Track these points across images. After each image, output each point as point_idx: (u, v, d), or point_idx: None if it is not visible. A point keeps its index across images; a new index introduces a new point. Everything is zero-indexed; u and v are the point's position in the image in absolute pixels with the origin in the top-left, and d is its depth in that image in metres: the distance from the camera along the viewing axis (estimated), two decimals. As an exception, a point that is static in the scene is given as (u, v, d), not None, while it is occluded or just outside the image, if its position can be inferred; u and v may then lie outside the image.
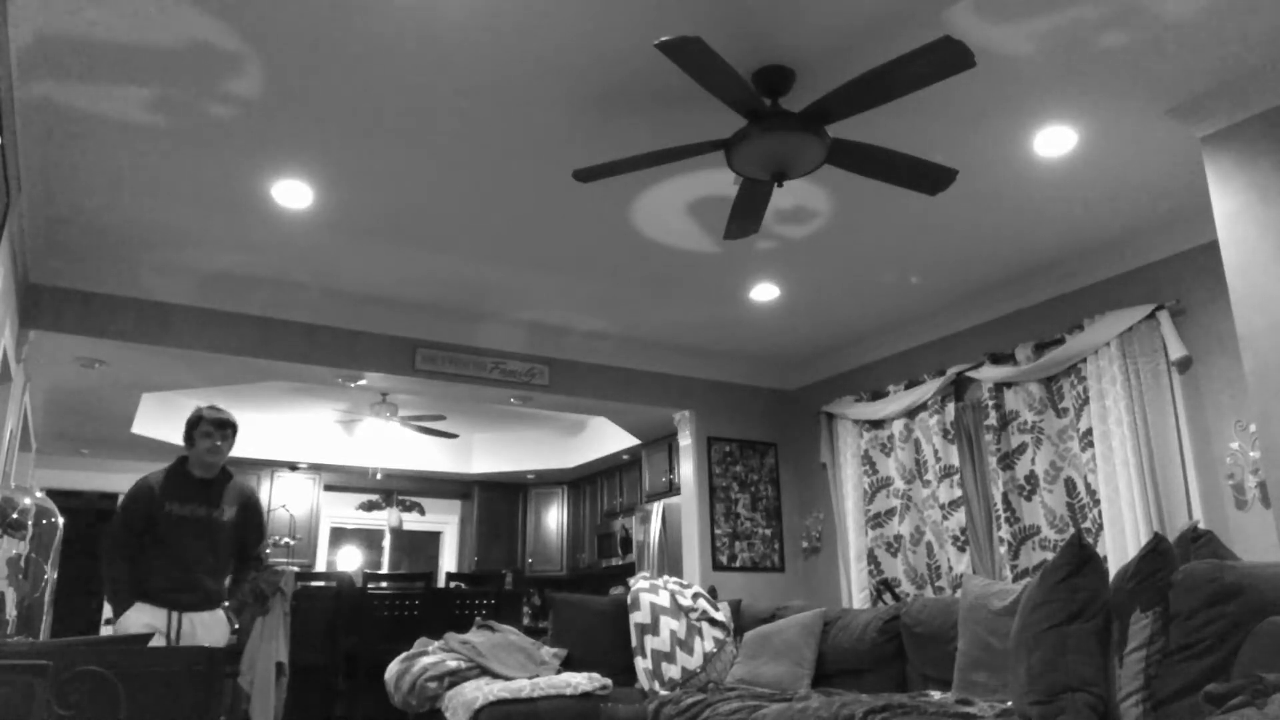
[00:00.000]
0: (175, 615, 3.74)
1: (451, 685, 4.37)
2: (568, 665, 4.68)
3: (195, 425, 3.90)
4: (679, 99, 3.42)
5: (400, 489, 10.18)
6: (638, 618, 4.77)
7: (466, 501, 10.37)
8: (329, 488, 9.59)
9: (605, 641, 4.83)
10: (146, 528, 3.78)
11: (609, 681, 4.42)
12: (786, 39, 3.16)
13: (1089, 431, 4.75)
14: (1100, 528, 4.63)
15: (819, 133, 3.24)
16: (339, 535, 10.10)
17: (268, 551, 8.17)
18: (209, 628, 3.82)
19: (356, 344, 5.67)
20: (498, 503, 10.18)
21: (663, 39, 2.78)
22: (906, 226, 4.57)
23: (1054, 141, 3.78)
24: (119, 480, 8.77)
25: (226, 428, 3.94)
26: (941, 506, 5.53)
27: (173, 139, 3.70)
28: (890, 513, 5.96)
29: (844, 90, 3.08)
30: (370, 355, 5.71)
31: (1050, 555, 4.84)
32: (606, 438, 8.58)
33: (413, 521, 10.34)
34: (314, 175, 4.02)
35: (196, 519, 3.87)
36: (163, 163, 3.89)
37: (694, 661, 4.64)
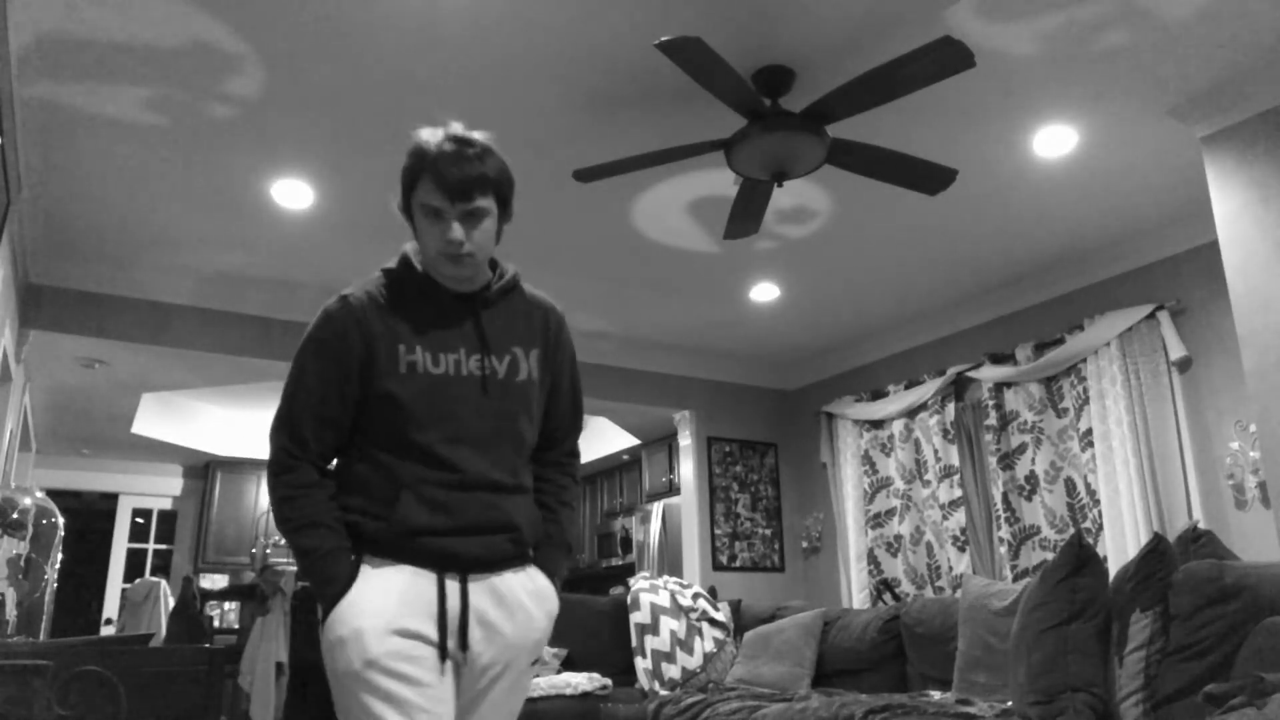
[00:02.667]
0: (457, 584, 1.61)
1: (451, 685, 4.37)
2: (568, 665, 4.68)
3: (415, 174, 1.67)
4: (679, 99, 3.42)
5: (400, 489, 10.16)
6: (638, 618, 4.77)
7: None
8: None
9: (605, 641, 4.83)
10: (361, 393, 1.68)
11: (609, 681, 4.42)
12: (786, 39, 3.16)
13: (1089, 431, 4.75)
14: (1100, 528, 4.63)
15: (819, 133, 3.24)
16: (339, 535, 10.08)
17: (268, 551, 8.17)
18: (533, 608, 1.69)
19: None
20: (498, 503, 10.16)
21: (663, 39, 2.79)
22: (906, 226, 4.57)
23: (1054, 141, 3.78)
24: (119, 480, 8.78)
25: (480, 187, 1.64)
26: (941, 506, 5.53)
27: (173, 139, 3.70)
28: (890, 513, 5.96)
29: (844, 90, 3.08)
30: (370, 355, 5.70)
31: (1050, 555, 4.84)
32: (606, 438, 8.58)
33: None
34: (314, 175, 4.02)
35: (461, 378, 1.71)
36: (163, 163, 3.89)
37: (694, 661, 4.64)
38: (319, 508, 1.62)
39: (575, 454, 1.92)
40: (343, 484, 1.67)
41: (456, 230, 1.60)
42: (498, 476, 1.66)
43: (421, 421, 1.63)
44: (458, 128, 1.67)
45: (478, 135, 1.67)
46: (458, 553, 1.60)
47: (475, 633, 1.60)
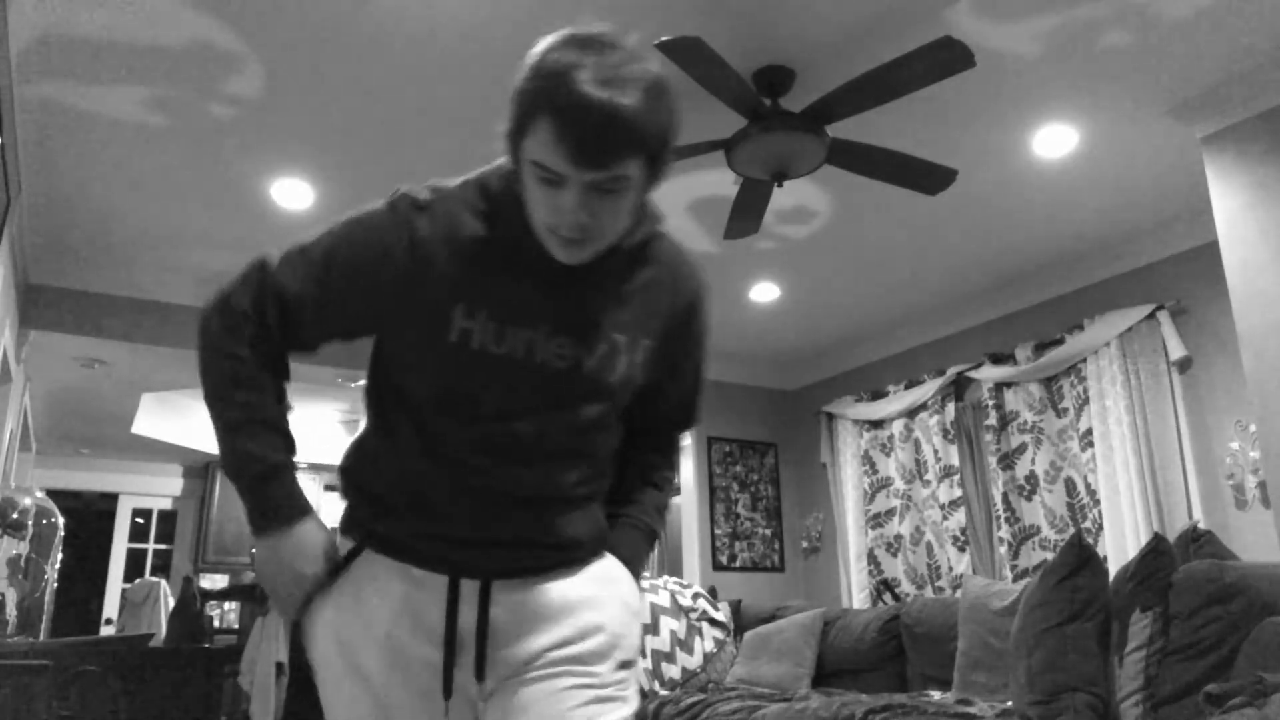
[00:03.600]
0: (476, 592, 1.23)
1: (451, 685, 4.37)
2: (568, 665, 4.68)
3: (530, 112, 1.10)
4: (679, 99, 3.41)
5: (400, 489, 10.16)
6: (638, 618, 4.77)
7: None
8: (329, 488, 9.58)
9: (605, 641, 4.82)
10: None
11: (609, 681, 4.41)
12: (786, 39, 3.16)
13: (1089, 431, 4.75)
14: (1100, 528, 4.63)
15: (819, 133, 3.24)
16: (339, 535, 10.09)
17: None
18: (596, 598, 1.29)
19: (356, 344, 5.67)
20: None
21: (663, 39, 2.78)
22: (906, 226, 4.57)
23: (1054, 141, 3.78)
24: (119, 480, 8.78)
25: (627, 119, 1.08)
26: (941, 506, 5.53)
27: (173, 139, 3.70)
28: (890, 513, 5.96)
29: (844, 90, 3.08)
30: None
31: (1050, 555, 4.84)
32: (606, 438, 8.58)
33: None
34: (314, 175, 4.02)
35: (531, 366, 1.23)
36: (163, 163, 3.89)
37: (694, 661, 4.64)
38: (273, 407, 1.23)
39: (679, 445, 1.50)
40: (360, 447, 1.30)
41: (577, 207, 1.09)
42: (554, 492, 1.24)
43: (458, 420, 1.20)
44: (610, 38, 1.12)
45: (634, 61, 1.10)
46: (477, 564, 1.22)
47: (505, 649, 1.21)
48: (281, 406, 1.25)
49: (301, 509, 1.22)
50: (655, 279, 1.30)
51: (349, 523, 1.29)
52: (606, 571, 1.29)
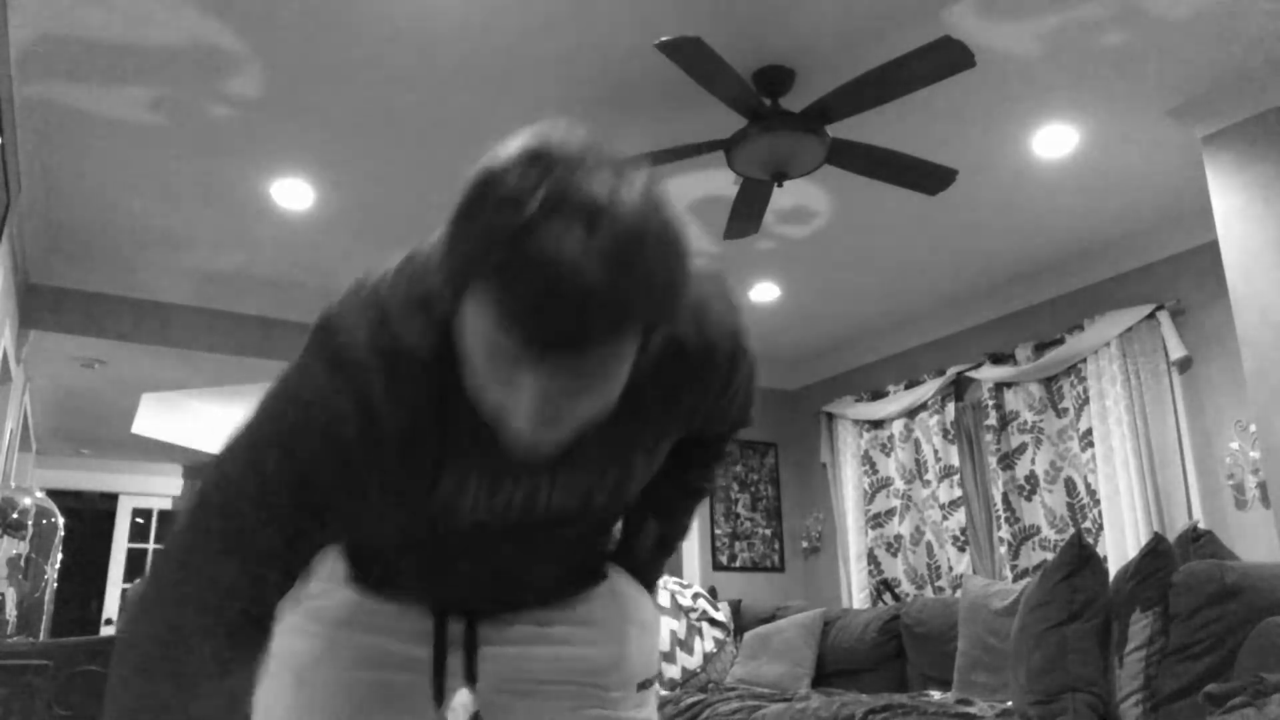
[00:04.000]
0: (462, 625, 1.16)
1: (451, 685, 4.37)
2: (568, 665, 4.68)
3: (467, 267, 0.73)
4: (679, 99, 3.42)
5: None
6: (638, 618, 4.77)
7: (466, 501, 10.35)
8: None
9: (605, 641, 4.82)
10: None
11: (609, 681, 4.41)
12: (786, 39, 3.16)
13: (1089, 431, 4.75)
14: (1100, 528, 4.63)
15: (819, 133, 3.24)
16: (339, 535, 10.08)
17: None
18: (607, 620, 1.19)
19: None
20: (498, 503, 10.16)
21: (663, 39, 2.79)
22: (906, 226, 4.57)
23: (1054, 141, 3.78)
24: (119, 480, 8.78)
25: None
26: (941, 506, 5.53)
27: (173, 139, 3.70)
28: (890, 513, 5.95)
29: (844, 90, 3.08)
30: (370, 355, 5.70)
31: (1050, 555, 4.84)
32: (606, 438, 8.58)
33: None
34: (314, 175, 4.02)
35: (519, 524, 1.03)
36: (162, 163, 3.89)
37: (694, 661, 4.64)
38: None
39: (726, 451, 1.29)
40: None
41: (535, 411, 0.75)
42: (553, 583, 1.12)
43: (435, 566, 1.05)
44: (587, 163, 0.72)
45: (625, 184, 0.73)
46: (463, 607, 1.10)
47: (491, 659, 1.09)
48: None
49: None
50: (680, 374, 0.95)
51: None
52: (612, 587, 1.14)
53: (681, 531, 1.24)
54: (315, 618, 1.05)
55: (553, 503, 0.96)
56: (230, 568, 0.85)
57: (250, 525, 0.85)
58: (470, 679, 1.08)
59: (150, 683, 0.81)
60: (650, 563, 1.19)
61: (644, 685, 1.13)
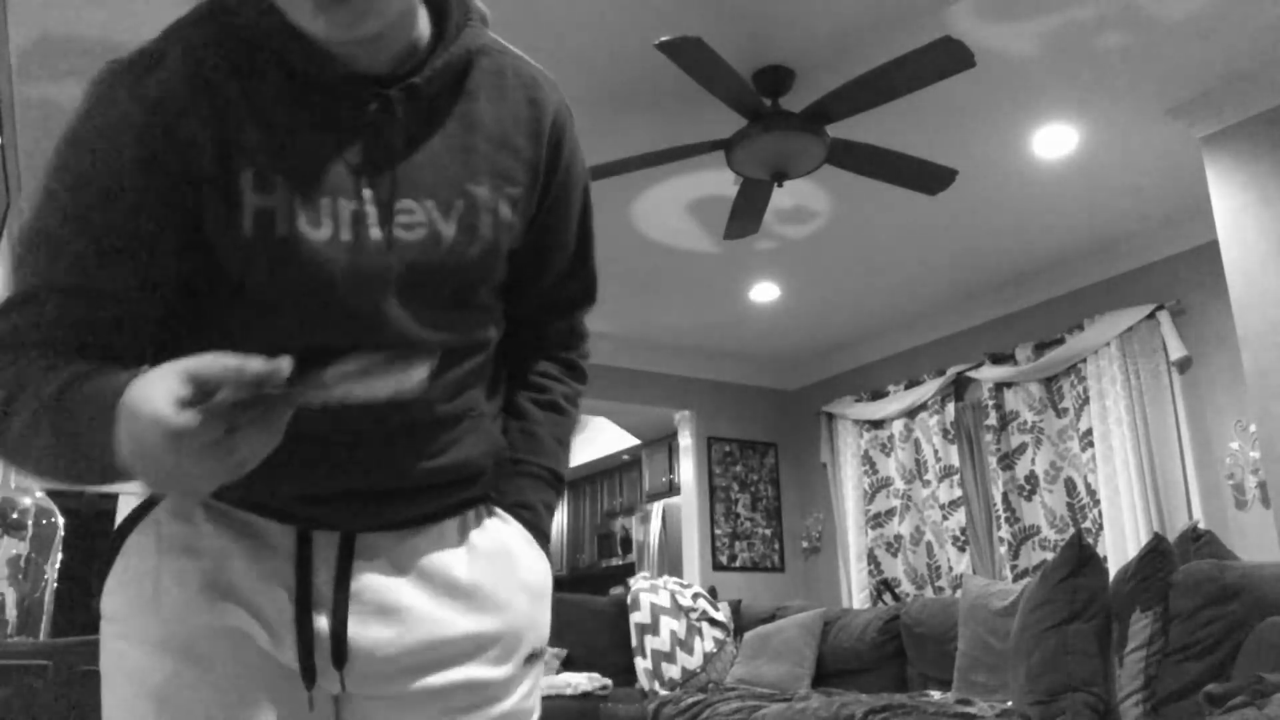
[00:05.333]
0: (334, 548, 0.89)
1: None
2: (568, 665, 4.68)
3: None
4: (679, 99, 3.42)
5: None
6: (638, 618, 4.77)
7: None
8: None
9: (605, 641, 4.83)
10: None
11: (609, 681, 4.42)
12: (786, 39, 3.16)
13: (1089, 431, 4.75)
14: (1100, 528, 4.64)
15: (819, 133, 3.24)
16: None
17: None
18: (499, 578, 0.96)
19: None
20: (498, 503, 10.15)
21: (663, 39, 2.79)
22: (906, 226, 4.57)
23: (1054, 141, 3.78)
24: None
25: None
26: (941, 506, 5.53)
27: (173, 139, 3.70)
28: (890, 513, 5.96)
29: (844, 90, 3.08)
30: (370, 355, 5.70)
31: (1050, 555, 4.84)
32: (606, 438, 8.59)
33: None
34: (314, 175, 4.01)
35: (364, 252, 0.86)
36: (163, 163, 3.89)
37: (694, 661, 4.64)
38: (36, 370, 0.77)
39: (582, 335, 1.12)
40: None
41: None
42: (423, 412, 0.89)
43: (278, 332, 0.82)
44: None
45: None
46: (333, 518, 0.88)
47: (370, 631, 0.87)
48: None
49: (119, 379, 0.70)
50: (502, 101, 0.93)
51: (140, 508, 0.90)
52: (501, 543, 0.96)
53: (553, 462, 1.04)
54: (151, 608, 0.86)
55: (376, 231, 0.84)
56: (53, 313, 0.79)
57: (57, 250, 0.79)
58: (337, 663, 0.86)
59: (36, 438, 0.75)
60: (533, 518, 1.00)
61: (532, 658, 0.98)
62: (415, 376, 0.67)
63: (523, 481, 1.00)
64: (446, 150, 0.88)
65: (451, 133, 0.89)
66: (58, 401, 0.73)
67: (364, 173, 0.84)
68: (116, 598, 0.88)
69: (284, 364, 0.65)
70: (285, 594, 0.85)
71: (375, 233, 0.84)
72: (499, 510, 0.98)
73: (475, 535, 0.95)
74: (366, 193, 0.84)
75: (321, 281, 0.82)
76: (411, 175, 0.86)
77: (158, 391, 0.64)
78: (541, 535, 1.01)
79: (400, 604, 0.88)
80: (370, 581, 0.88)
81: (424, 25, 0.88)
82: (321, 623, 0.85)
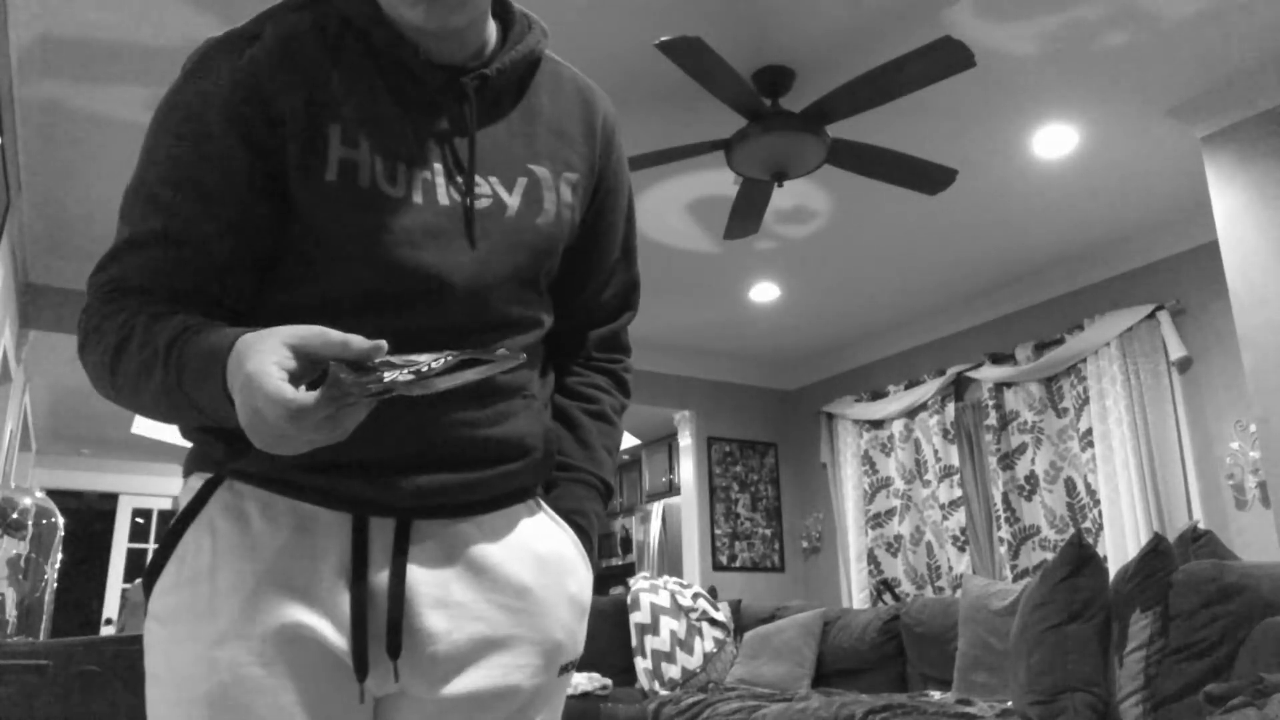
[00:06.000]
0: (389, 534, 0.89)
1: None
2: (568, 665, 4.68)
3: None
4: (679, 99, 3.42)
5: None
6: (638, 618, 4.77)
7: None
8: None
9: (605, 641, 4.83)
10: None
11: (609, 681, 4.42)
12: (786, 39, 3.16)
13: (1089, 431, 4.75)
14: (1100, 528, 4.64)
15: (819, 133, 3.24)
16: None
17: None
18: (546, 582, 0.96)
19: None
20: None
21: (663, 39, 2.78)
22: (906, 226, 4.57)
23: (1054, 141, 3.78)
24: (119, 480, 8.79)
25: None
26: (941, 506, 5.53)
27: (173, 139, 3.70)
28: (890, 513, 5.96)
29: (844, 90, 3.08)
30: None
31: (1050, 555, 4.84)
32: (606, 438, 8.58)
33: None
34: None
35: (436, 212, 0.92)
36: (163, 163, 3.89)
37: (694, 661, 4.64)
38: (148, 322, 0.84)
39: (626, 347, 1.15)
40: None
41: None
42: (486, 425, 0.92)
43: (353, 282, 0.88)
44: None
45: None
46: (391, 497, 0.88)
47: (425, 623, 0.88)
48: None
49: (228, 335, 0.77)
50: (559, 99, 1.02)
51: (198, 460, 0.93)
52: (554, 548, 0.96)
53: (604, 472, 1.05)
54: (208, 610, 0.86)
55: (448, 197, 0.91)
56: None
57: (158, 213, 0.88)
58: (394, 645, 0.86)
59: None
60: (588, 527, 1.01)
61: (564, 670, 0.97)
62: (507, 365, 0.73)
63: (578, 489, 1.02)
64: (510, 136, 0.97)
65: (514, 121, 0.98)
66: (168, 353, 0.80)
67: (437, 148, 0.92)
68: (170, 599, 0.87)
69: (382, 344, 0.71)
70: (343, 585, 0.86)
71: (444, 199, 0.91)
72: (554, 514, 0.99)
73: (530, 534, 0.96)
74: (437, 165, 0.91)
75: (395, 233, 0.88)
76: (479, 155, 0.94)
77: (271, 366, 0.70)
78: (591, 545, 1.02)
79: (453, 598, 0.89)
80: (425, 574, 0.89)
81: (492, 32, 0.98)
82: (378, 613, 0.86)
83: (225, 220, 0.87)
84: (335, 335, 0.72)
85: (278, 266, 0.91)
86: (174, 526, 0.89)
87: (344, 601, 0.86)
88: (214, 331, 0.79)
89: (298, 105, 0.88)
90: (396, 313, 0.88)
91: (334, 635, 0.85)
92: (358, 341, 0.71)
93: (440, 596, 0.88)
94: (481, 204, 0.93)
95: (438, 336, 0.87)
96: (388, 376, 0.70)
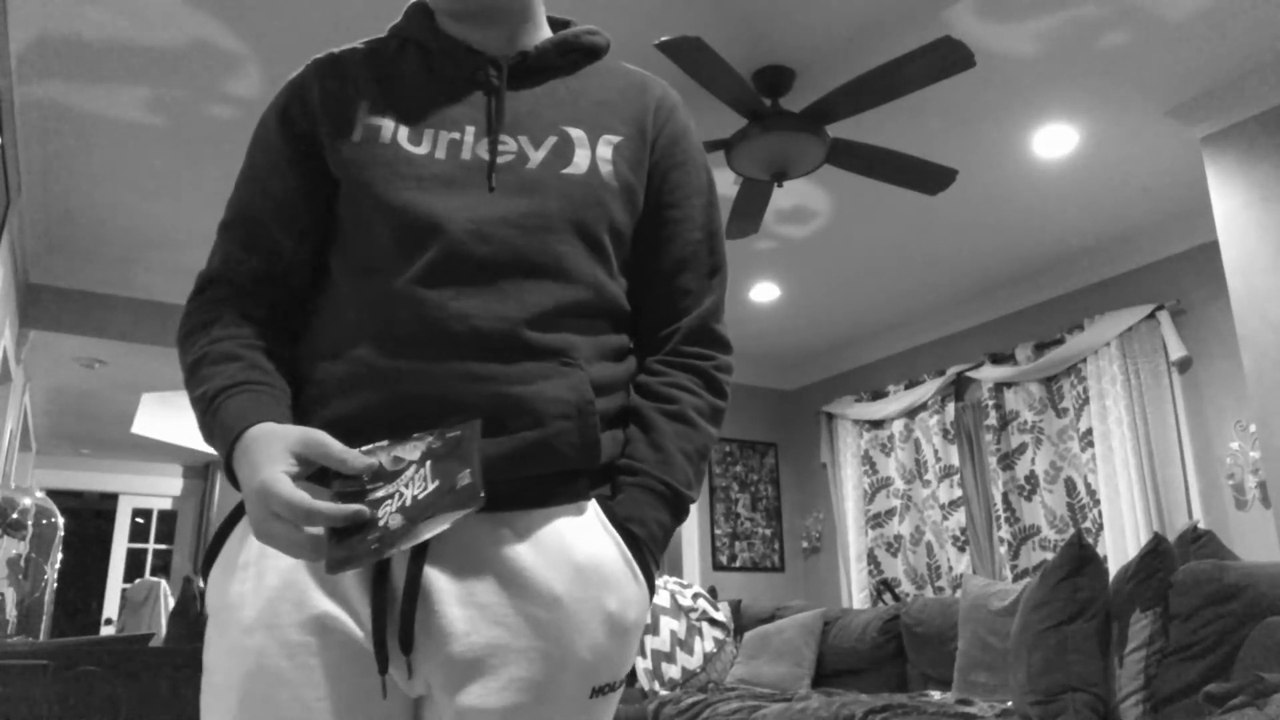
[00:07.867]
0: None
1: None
2: (568, 665, 4.68)
3: None
4: (679, 99, 3.42)
5: (400, 489, 10.16)
6: (638, 618, 4.77)
7: (466, 501, 10.35)
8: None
9: (605, 641, 4.82)
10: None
11: (609, 681, 4.41)
12: (786, 39, 3.16)
13: (1089, 431, 4.75)
14: (1100, 528, 4.63)
15: (819, 133, 3.24)
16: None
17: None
18: (581, 593, 0.89)
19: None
20: (498, 503, 10.16)
21: (663, 39, 2.78)
22: (906, 226, 4.57)
23: (1054, 141, 3.78)
24: (119, 480, 8.78)
25: None
26: (941, 506, 5.53)
27: (173, 139, 3.70)
28: (890, 513, 5.96)
29: (844, 90, 3.08)
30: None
31: (1050, 555, 4.84)
32: (606, 438, 8.58)
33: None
34: (314, 175, 4.02)
35: (457, 163, 0.97)
36: (163, 163, 3.89)
37: (694, 661, 4.64)
38: (223, 344, 0.95)
39: (719, 340, 1.05)
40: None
41: None
42: (505, 328, 0.89)
43: (375, 236, 0.93)
44: None
45: None
46: None
47: (440, 621, 0.85)
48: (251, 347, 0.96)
49: (246, 419, 0.87)
50: (612, 79, 1.06)
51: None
52: (595, 559, 0.89)
53: (673, 478, 0.95)
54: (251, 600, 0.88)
55: (472, 151, 0.96)
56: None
57: (240, 207, 1.02)
58: (406, 640, 0.84)
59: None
60: (645, 535, 0.92)
61: (600, 691, 0.89)
62: (474, 508, 0.78)
63: (639, 494, 0.93)
64: (546, 104, 1.02)
65: (555, 89, 1.03)
66: (210, 403, 0.92)
67: (469, 114, 0.99)
68: (215, 590, 0.92)
69: (374, 463, 0.81)
70: (367, 579, 0.87)
71: (467, 154, 0.96)
72: (606, 520, 0.91)
73: (571, 540, 0.89)
74: (469, 128, 0.98)
75: (405, 179, 0.94)
76: (511, 119, 0.99)
77: (279, 476, 0.81)
78: (647, 558, 0.92)
79: (477, 599, 0.86)
80: (451, 571, 0.86)
81: (545, 34, 1.08)
82: (397, 606, 0.85)
83: (274, 197, 0.99)
84: (335, 450, 0.82)
85: (329, 236, 1.00)
86: (223, 526, 0.95)
87: (367, 595, 0.86)
88: (247, 398, 0.90)
89: (332, 88, 0.99)
90: (419, 254, 0.91)
91: (358, 628, 0.86)
92: (354, 459, 0.81)
93: (464, 595, 0.85)
94: (504, 158, 0.96)
95: (459, 277, 0.90)
96: (380, 494, 0.80)
